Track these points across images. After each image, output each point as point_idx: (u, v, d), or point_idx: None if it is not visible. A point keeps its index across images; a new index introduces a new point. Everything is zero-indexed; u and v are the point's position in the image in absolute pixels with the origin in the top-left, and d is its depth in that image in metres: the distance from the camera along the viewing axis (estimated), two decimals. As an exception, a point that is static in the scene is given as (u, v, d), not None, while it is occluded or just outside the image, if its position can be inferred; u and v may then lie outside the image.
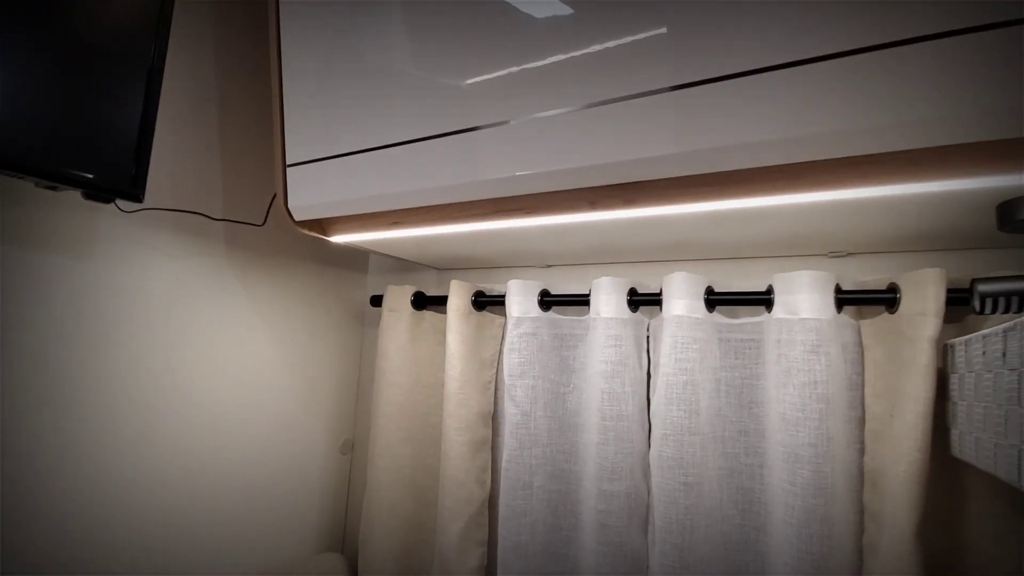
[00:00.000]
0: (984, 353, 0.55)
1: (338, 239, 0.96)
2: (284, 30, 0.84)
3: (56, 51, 0.66)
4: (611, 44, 0.57)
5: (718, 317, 0.85)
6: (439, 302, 1.10)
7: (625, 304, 0.90)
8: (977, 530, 0.70)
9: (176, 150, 0.94)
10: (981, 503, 0.70)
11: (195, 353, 0.96)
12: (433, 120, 0.70)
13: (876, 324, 0.75)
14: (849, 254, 0.83)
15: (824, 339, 0.72)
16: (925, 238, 0.73)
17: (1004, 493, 0.69)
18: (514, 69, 0.63)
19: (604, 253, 0.96)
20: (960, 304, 0.67)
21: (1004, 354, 0.49)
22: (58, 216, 0.79)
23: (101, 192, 0.71)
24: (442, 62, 0.68)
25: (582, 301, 0.96)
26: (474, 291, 1.06)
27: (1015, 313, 0.64)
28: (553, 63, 0.60)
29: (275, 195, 1.07)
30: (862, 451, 0.74)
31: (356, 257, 1.32)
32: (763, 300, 0.80)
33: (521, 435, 0.96)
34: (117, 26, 0.71)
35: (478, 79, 0.65)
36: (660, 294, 0.86)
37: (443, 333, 1.12)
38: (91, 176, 0.69)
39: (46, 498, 0.77)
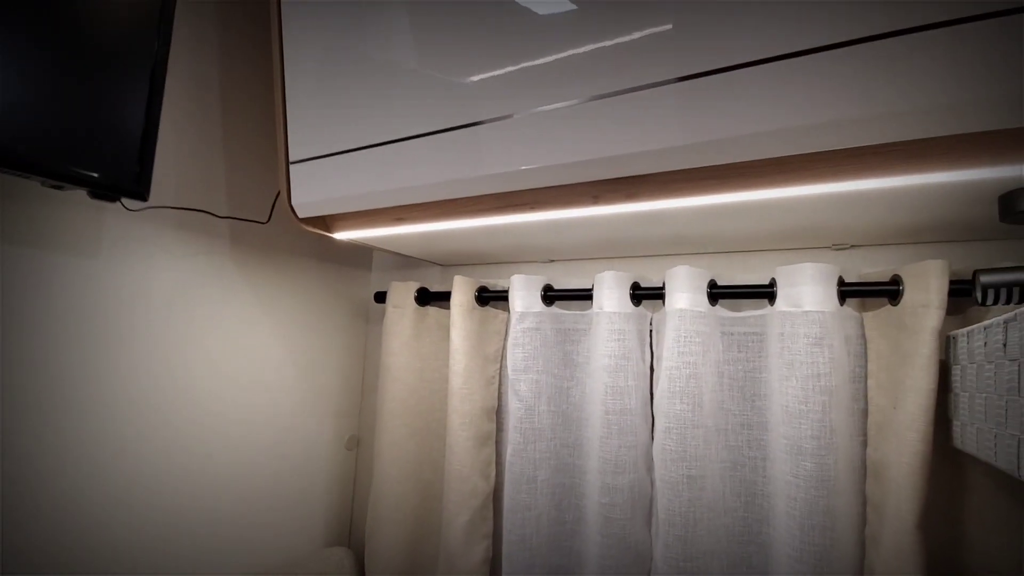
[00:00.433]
0: (985, 344, 0.55)
1: (342, 236, 0.96)
2: (286, 28, 0.84)
3: (60, 52, 0.66)
4: (615, 37, 0.57)
5: (721, 310, 0.85)
6: (442, 298, 1.10)
7: (628, 298, 0.90)
8: (978, 520, 0.70)
9: (180, 148, 0.94)
10: (982, 494, 0.70)
11: (200, 350, 0.97)
12: (436, 115, 0.70)
13: (879, 316, 0.75)
14: (852, 246, 0.83)
15: (827, 332, 0.72)
16: (927, 230, 0.73)
17: (1005, 484, 0.69)
18: (517, 63, 0.63)
19: (606, 247, 0.96)
20: (962, 295, 0.68)
21: (1005, 345, 0.50)
22: (64, 215, 0.80)
23: (106, 191, 0.72)
24: (444, 57, 0.68)
25: (585, 296, 0.96)
26: (477, 287, 1.06)
27: (1016, 304, 0.64)
28: (555, 57, 0.60)
29: (279, 192, 1.07)
30: (865, 443, 0.75)
31: (359, 254, 1.33)
32: (766, 293, 0.80)
33: (525, 429, 0.97)
34: (120, 26, 0.72)
35: (481, 74, 0.66)
36: (663, 288, 0.87)
37: (447, 329, 1.13)
38: (96, 175, 0.70)
39: (48, 498, 0.77)
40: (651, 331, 0.92)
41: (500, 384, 1.08)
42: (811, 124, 0.49)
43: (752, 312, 0.84)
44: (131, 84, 0.73)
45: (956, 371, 0.65)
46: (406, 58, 0.72)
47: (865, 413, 0.75)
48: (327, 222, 0.95)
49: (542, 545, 0.96)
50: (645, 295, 0.91)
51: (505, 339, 1.07)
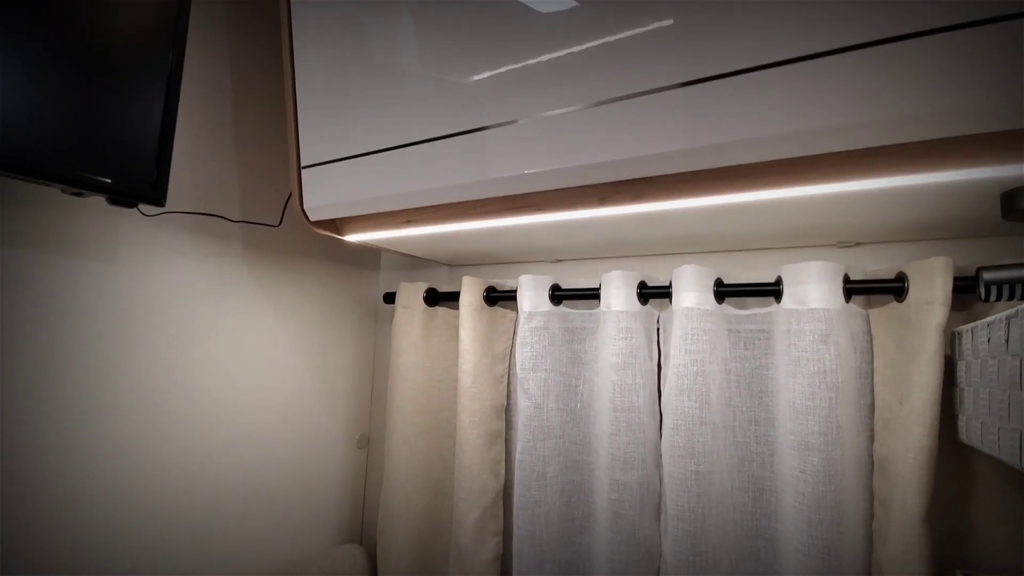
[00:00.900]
0: (989, 340, 0.56)
1: (352, 238, 0.98)
2: (296, 35, 0.86)
3: (78, 62, 0.68)
4: (620, 40, 0.58)
5: (727, 308, 0.86)
6: (451, 298, 1.12)
7: (635, 297, 0.91)
8: (984, 513, 0.71)
9: (194, 154, 0.96)
10: (988, 487, 0.71)
11: (213, 351, 0.98)
12: (444, 120, 0.71)
13: (884, 313, 0.76)
14: (857, 244, 0.84)
15: (833, 328, 0.73)
16: (931, 227, 0.73)
17: (1010, 477, 0.70)
18: (523, 69, 0.64)
19: (613, 247, 0.97)
20: (966, 292, 0.68)
21: (1007, 340, 0.50)
22: (83, 221, 0.82)
23: (125, 197, 0.74)
24: (452, 63, 0.70)
25: (592, 295, 0.97)
26: (486, 287, 1.08)
27: (1019, 300, 0.65)
28: (561, 62, 0.61)
29: (290, 195, 1.09)
30: (871, 439, 0.75)
31: (368, 255, 1.35)
32: (772, 291, 0.81)
33: (534, 427, 0.98)
34: (137, 36, 0.74)
35: (488, 79, 0.67)
36: (670, 287, 0.88)
37: (455, 328, 1.14)
38: (115, 182, 0.71)
39: (58, 497, 0.78)
40: (658, 329, 0.93)
41: (509, 383, 1.09)
42: (815, 128, 0.50)
43: (758, 310, 0.85)
44: (148, 92, 0.74)
45: (961, 366, 0.66)
46: (415, 64, 0.73)
47: (871, 409, 0.76)
48: (338, 225, 0.96)
49: (552, 541, 0.97)
50: (652, 294, 0.92)
51: (513, 338, 1.09)
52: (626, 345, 0.90)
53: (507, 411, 1.09)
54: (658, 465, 0.90)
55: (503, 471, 1.06)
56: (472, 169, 0.70)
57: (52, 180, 0.66)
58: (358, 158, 0.80)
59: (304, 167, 0.87)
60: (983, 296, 0.66)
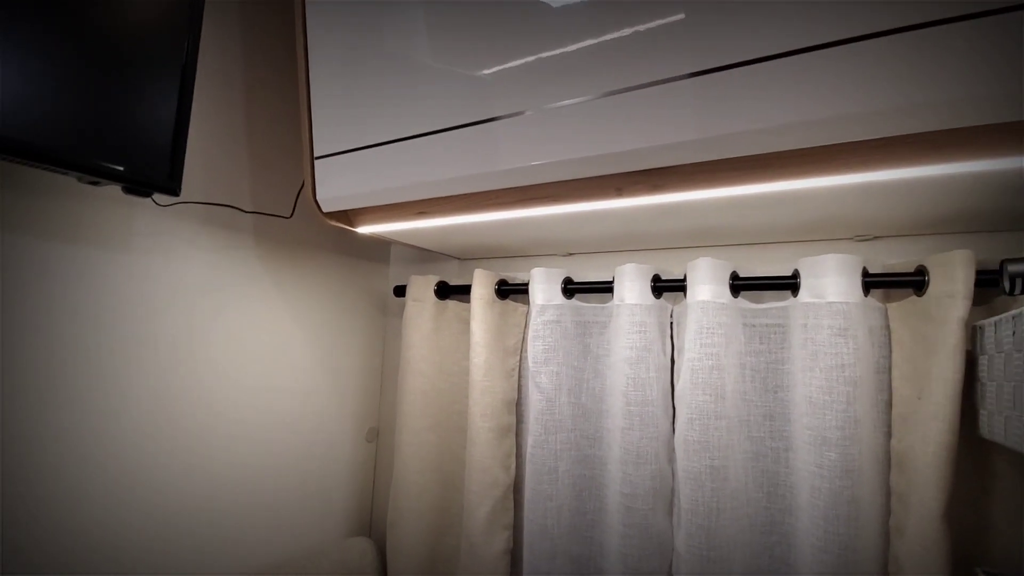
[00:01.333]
0: (1014, 333, 0.55)
1: (364, 230, 0.98)
2: (310, 26, 0.86)
3: (95, 52, 0.68)
4: (633, 32, 0.57)
5: (743, 302, 0.86)
6: (461, 291, 1.11)
7: (649, 290, 0.90)
8: (1004, 510, 0.70)
9: (207, 145, 0.96)
10: (1008, 483, 0.70)
11: (223, 342, 0.98)
12: (457, 110, 0.71)
13: (903, 307, 0.75)
14: (875, 237, 0.83)
15: (851, 323, 0.73)
16: (952, 220, 0.72)
17: (1033, 473, 0.69)
18: (536, 60, 0.64)
19: (626, 240, 0.96)
20: (989, 285, 0.67)
21: (1036, 332, 0.50)
22: (98, 210, 0.82)
23: (140, 186, 0.74)
24: (465, 54, 0.69)
25: (606, 288, 0.96)
26: (497, 280, 1.07)
27: (1045, 294, 0.64)
28: (570, 54, 0.61)
29: (302, 186, 1.09)
30: (888, 434, 0.75)
31: (378, 247, 1.35)
32: (789, 284, 0.80)
33: (546, 421, 0.98)
34: (152, 26, 0.73)
35: (500, 70, 0.66)
36: (684, 280, 0.87)
37: (466, 322, 1.14)
38: (131, 171, 0.71)
39: (59, 495, 0.77)
40: (672, 323, 0.92)
41: (520, 377, 1.09)
42: (833, 116, 0.49)
43: (774, 304, 0.84)
44: (163, 83, 0.74)
45: (983, 360, 0.65)
46: (429, 55, 0.73)
47: (888, 404, 0.75)
48: (350, 216, 0.96)
49: (563, 535, 0.97)
50: (666, 287, 0.91)
51: (525, 332, 1.08)
52: (639, 339, 0.90)
53: (518, 405, 1.08)
54: (671, 460, 0.89)
55: (514, 465, 1.06)
56: (485, 159, 0.70)
57: (69, 168, 0.66)
58: (371, 148, 0.80)
59: (317, 158, 0.87)
60: (1007, 289, 0.65)
